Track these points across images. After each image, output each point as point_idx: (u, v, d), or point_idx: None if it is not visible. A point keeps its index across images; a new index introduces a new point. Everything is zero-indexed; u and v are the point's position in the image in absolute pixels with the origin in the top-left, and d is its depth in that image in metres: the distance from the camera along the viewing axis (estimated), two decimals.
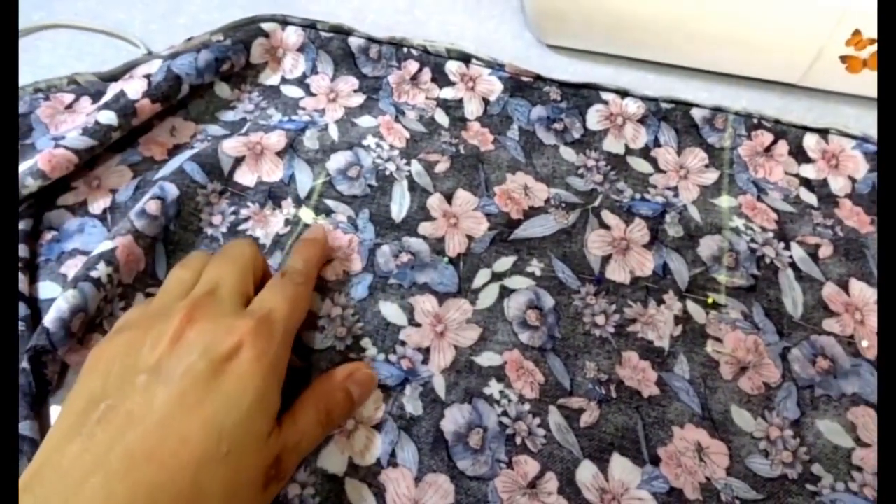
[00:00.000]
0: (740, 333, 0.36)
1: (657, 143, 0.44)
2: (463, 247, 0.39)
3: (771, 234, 0.40)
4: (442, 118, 0.44)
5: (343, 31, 0.46)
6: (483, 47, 0.48)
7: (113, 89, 0.41)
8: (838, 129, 0.44)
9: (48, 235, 0.38)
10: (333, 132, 0.43)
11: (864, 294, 0.38)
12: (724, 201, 0.42)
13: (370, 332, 0.35)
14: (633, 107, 0.45)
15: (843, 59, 0.44)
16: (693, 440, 0.33)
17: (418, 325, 0.36)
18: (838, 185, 0.43)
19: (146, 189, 0.39)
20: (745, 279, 0.38)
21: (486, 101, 0.45)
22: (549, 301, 0.37)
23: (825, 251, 0.40)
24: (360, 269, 0.37)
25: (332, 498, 0.31)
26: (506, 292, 0.37)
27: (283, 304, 0.30)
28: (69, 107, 0.42)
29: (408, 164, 0.42)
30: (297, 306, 0.32)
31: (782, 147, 0.44)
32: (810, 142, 0.44)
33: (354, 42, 0.46)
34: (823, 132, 0.44)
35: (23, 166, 0.37)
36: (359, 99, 0.45)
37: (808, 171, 0.43)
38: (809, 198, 0.42)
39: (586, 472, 0.32)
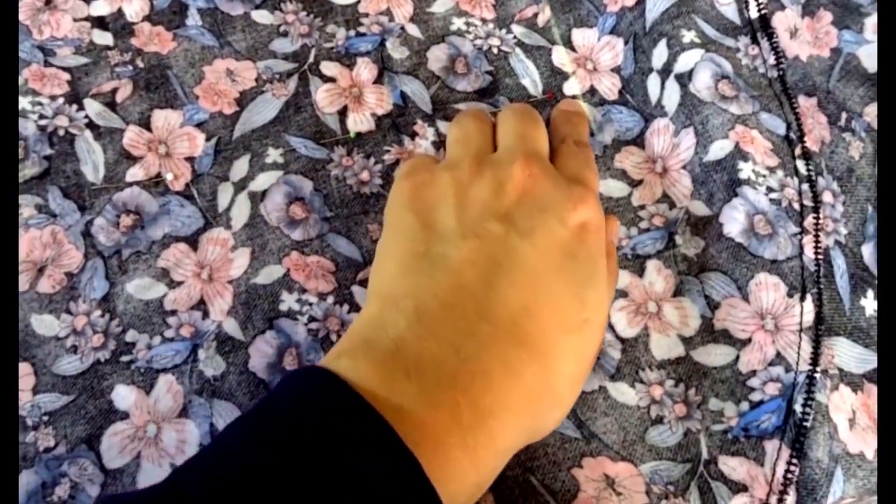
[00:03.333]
0: (34, 231, 0.32)
1: None
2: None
3: (62, 101, 0.35)
4: (102, 38, 0.37)
5: None
6: None
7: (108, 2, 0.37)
8: None
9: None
10: None
11: (169, 122, 0.35)
12: None
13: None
14: None
15: None
16: None
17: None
18: (134, 9, 0.37)
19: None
20: (37, 166, 0.33)
21: None
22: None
23: (124, 92, 0.35)
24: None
25: None
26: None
27: (595, 182, 0.30)
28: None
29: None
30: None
31: None
32: None
33: None
34: None
35: None
36: None
37: (99, 7, 0.37)
38: (104, 38, 0.37)
39: None
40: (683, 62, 0.36)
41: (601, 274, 0.26)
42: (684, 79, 0.35)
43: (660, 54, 0.36)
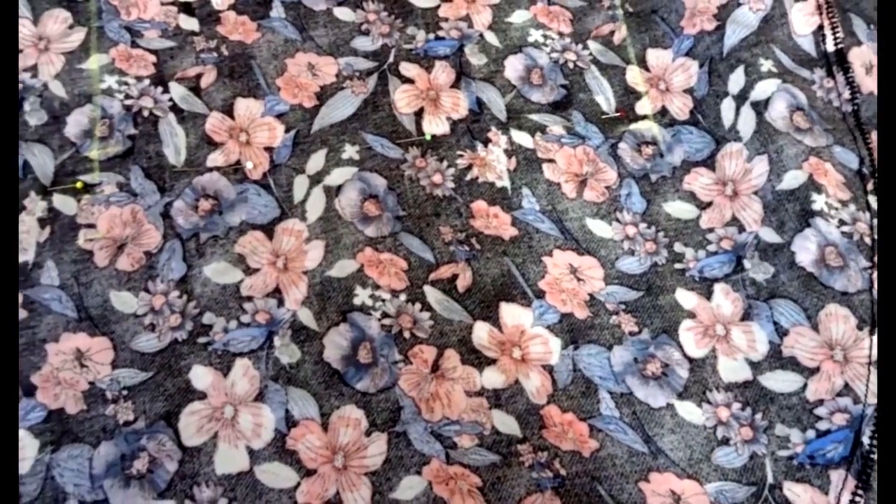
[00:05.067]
0: (115, 208, 0.33)
1: None
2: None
3: (148, 82, 0.36)
4: (189, 23, 0.37)
5: None
6: None
7: None
8: None
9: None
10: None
11: (251, 110, 0.36)
12: (94, 62, 0.35)
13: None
14: None
15: None
16: (71, 349, 0.31)
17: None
18: None
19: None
20: (120, 144, 0.34)
21: None
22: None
23: (208, 78, 0.36)
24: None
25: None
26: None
27: None
28: None
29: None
30: None
31: None
32: None
33: None
34: None
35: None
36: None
37: None
38: (190, 24, 0.38)
39: (481, 333, 0.32)
40: (760, 90, 0.36)
41: None
42: (760, 107, 0.36)
43: (737, 80, 0.37)
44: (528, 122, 0.37)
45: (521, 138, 0.36)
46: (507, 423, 0.30)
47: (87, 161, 0.34)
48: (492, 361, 0.31)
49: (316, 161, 0.35)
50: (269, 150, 0.35)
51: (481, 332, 0.32)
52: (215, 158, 0.34)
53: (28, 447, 0.28)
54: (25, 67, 0.35)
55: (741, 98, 0.36)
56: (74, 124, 0.34)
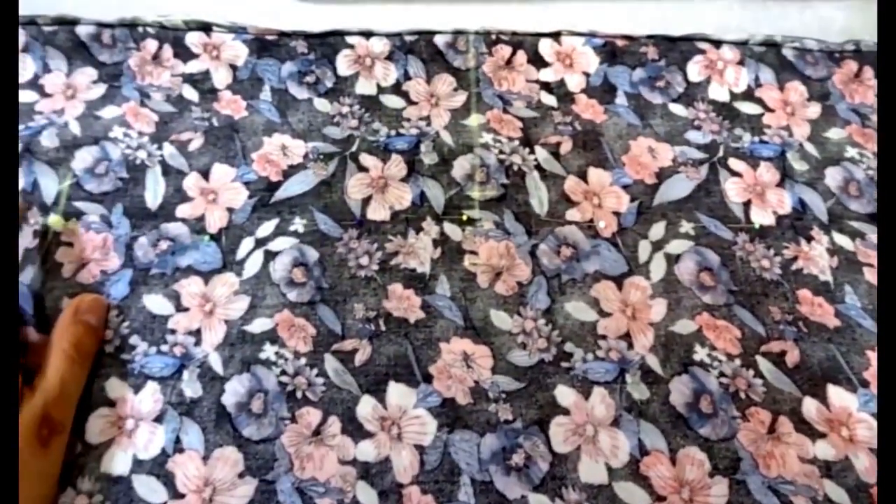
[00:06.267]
0: (493, 242, 0.39)
1: (407, 77, 0.45)
2: (224, 221, 0.39)
3: (517, 143, 0.42)
4: (190, 94, 0.44)
5: (67, 22, 0.44)
6: (233, 7, 0.47)
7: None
8: (568, 30, 0.47)
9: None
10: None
11: (601, 179, 0.42)
12: (474, 120, 0.44)
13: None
14: (379, 45, 0.45)
15: None
16: (459, 351, 0.36)
17: (186, 310, 0.36)
18: (574, 82, 0.45)
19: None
20: (496, 190, 0.41)
21: (233, 68, 0.45)
22: (313, 255, 0.38)
23: (566, 147, 0.43)
24: (119, 265, 0.38)
25: (122, 499, 0.32)
26: (270, 256, 0.38)
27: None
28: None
29: (159, 148, 0.41)
30: None
31: (521, 57, 0.46)
32: (545, 47, 0.46)
33: (83, 30, 0.44)
34: (556, 35, 0.47)
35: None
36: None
37: (546, 74, 0.46)
38: (549, 100, 0.45)
39: (366, 406, 0.35)
40: None
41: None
42: None
43: None
44: (849, 227, 0.40)
45: (842, 241, 0.40)
46: (838, 494, 0.32)
47: (470, 199, 0.41)
48: (822, 435, 0.34)
49: (657, 230, 0.40)
50: (616, 213, 0.41)
51: (810, 407, 0.35)
52: (573, 214, 0.40)
53: (429, 424, 0.34)
54: (421, 117, 0.44)
55: None
56: (459, 168, 0.41)
